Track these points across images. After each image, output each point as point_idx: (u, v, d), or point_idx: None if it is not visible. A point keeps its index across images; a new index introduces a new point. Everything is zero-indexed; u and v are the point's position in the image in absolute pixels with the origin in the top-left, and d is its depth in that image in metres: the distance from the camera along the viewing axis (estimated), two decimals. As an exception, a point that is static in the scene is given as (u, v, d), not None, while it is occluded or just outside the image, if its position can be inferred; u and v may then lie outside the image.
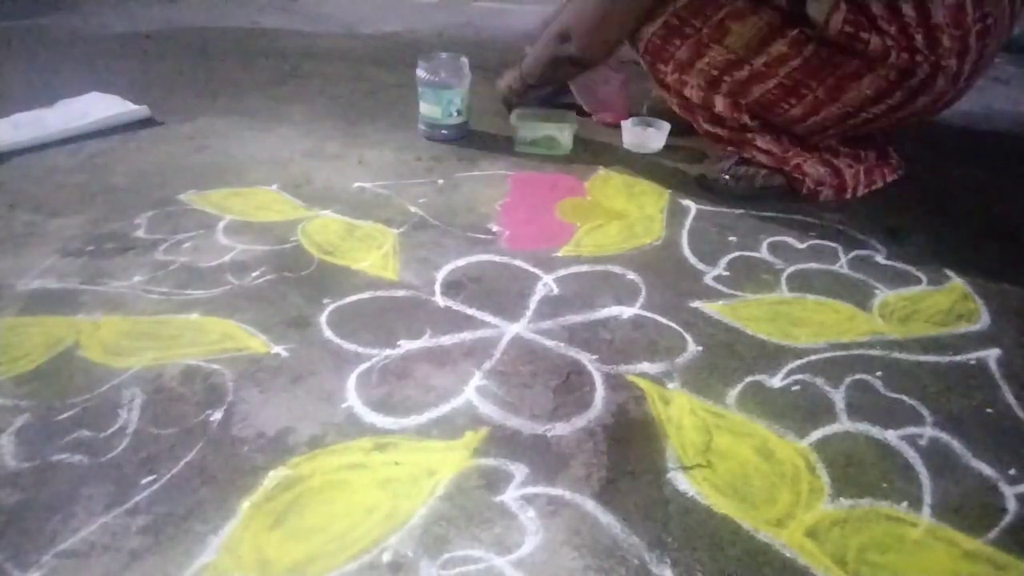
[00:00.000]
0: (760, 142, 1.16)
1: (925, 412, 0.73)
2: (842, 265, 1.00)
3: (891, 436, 0.70)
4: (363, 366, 0.78)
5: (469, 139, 1.40)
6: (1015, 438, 0.71)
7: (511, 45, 2.11)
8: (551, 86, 1.50)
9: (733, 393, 0.75)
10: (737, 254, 1.02)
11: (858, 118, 1.08)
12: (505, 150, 1.35)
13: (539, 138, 1.33)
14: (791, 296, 0.92)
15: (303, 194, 1.16)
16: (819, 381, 0.77)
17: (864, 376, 0.78)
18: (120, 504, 0.61)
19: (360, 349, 0.81)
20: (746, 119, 1.14)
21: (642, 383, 0.76)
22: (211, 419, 0.70)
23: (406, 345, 0.82)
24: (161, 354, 0.79)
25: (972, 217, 1.15)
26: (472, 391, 0.75)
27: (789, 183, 1.18)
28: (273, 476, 0.64)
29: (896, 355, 0.82)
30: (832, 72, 1.01)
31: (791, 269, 0.98)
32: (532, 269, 0.97)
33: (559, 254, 1.01)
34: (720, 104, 1.14)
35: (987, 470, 0.67)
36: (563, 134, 1.32)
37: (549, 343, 0.82)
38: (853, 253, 1.03)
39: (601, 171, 1.27)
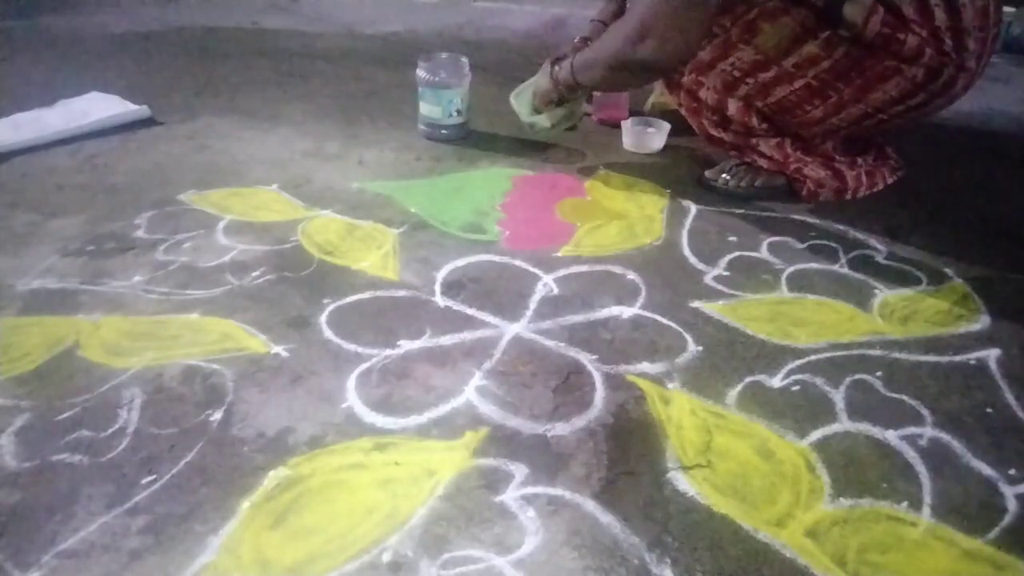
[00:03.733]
0: (764, 147, 1.16)
1: (925, 412, 0.73)
2: (842, 265, 1.00)
3: (891, 436, 0.70)
4: (363, 366, 0.78)
5: (469, 139, 1.40)
6: (1015, 438, 0.71)
7: (511, 45, 2.11)
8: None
9: (733, 393, 0.75)
10: (737, 254, 1.02)
11: (875, 119, 1.08)
12: (505, 150, 1.35)
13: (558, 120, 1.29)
14: (791, 296, 0.92)
15: (303, 194, 1.16)
16: (819, 381, 0.77)
17: (864, 376, 0.78)
18: (120, 504, 0.61)
19: (360, 349, 0.81)
20: (755, 122, 1.14)
21: (642, 383, 0.76)
22: (211, 419, 0.70)
23: (406, 345, 0.82)
24: (161, 354, 0.79)
25: (972, 217, 1.15)
26: (472, 391, 0.75)
27: (790, 184, 1.18)
28: (273, 476, 0.64)
29: (896, 355, 0.82)
30: (861, 73, 1.01)
31: (791, 269, 0.98)
32: (532, 269, 0.97)
33: (559, 254, 1.01)
34: (733, 107, 1.13)
35: (987, 470, 0.67)
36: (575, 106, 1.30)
37: (549, 343, 0.82)
38: (853, 253, 1.03)
39: (601, 171, 1.27)
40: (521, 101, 1.28)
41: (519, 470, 0.65)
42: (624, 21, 1.02)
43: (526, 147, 1.37)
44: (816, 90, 1.05)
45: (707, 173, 1.22)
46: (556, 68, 1.19)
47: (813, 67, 1.03)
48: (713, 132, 1.20)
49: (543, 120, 1.25)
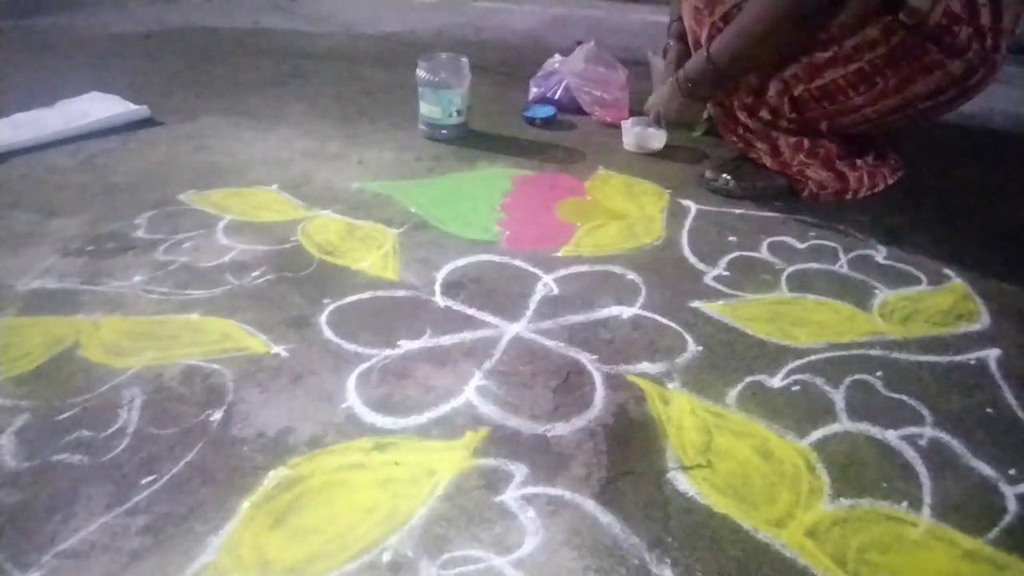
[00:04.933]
0: (782, 143, 1.15)
1: (925, 412, 0.73)
2: (842, 265, 1.00)
3: (891, 436, 0.70)
4: (363, 366, 0.78)
5: (469, 139, 1.40)
6: (1015, 438, 0.71)
7: (511, 45, 2.12)
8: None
9: (733, 393, 0.75)
10: (737, 254, 1.02)
11: (903, 113, 1.09)
12: (505, 150, 1.35)
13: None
14: (791, 296, 0.92)
15: (303, 194, 1.16)
16: (819, 381, 0.77)
17: (864, 376, 0.78)
18: (120, 504, 0.61)
19: (360, 349, 0.81)
20: (785, 110, 1.12)
21: (642, 383, 0.76)
22: (211, 419, 0.70)
23: (406, 345, 0.82)
24: (161, 354, 0.79)
25: (972, 217, 1.15)
26: (472, 391, 0.75)
27: (790, 184, 1.18)
28: (273, 476, 0.64)
29: (896, 355, 0.82)
30: (910, 63, 1.02)
31: (791, 269, 0.98)
32: (532, 269, 0.97)
33: (559, 254, 1.01)
34: (773, 89, 1.11)
35: (987, 470, 0.67)
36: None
37: (549, 343, 0.82)
38: (853, 253, 1.03)
39: (601, 171, 1.27)
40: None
41: (519, 470, 0.65)
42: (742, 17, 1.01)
43: (526, 147, 1.37)
44: (866, 76, 1.05)
45: (707, 173, 1.22)
46: (681, 82, 1.15)
47: (870, 51, 1.03)
48: (740, 115, 1.18)
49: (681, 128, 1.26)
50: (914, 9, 0.97)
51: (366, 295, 0.91)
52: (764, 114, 1.15)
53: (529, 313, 0.88)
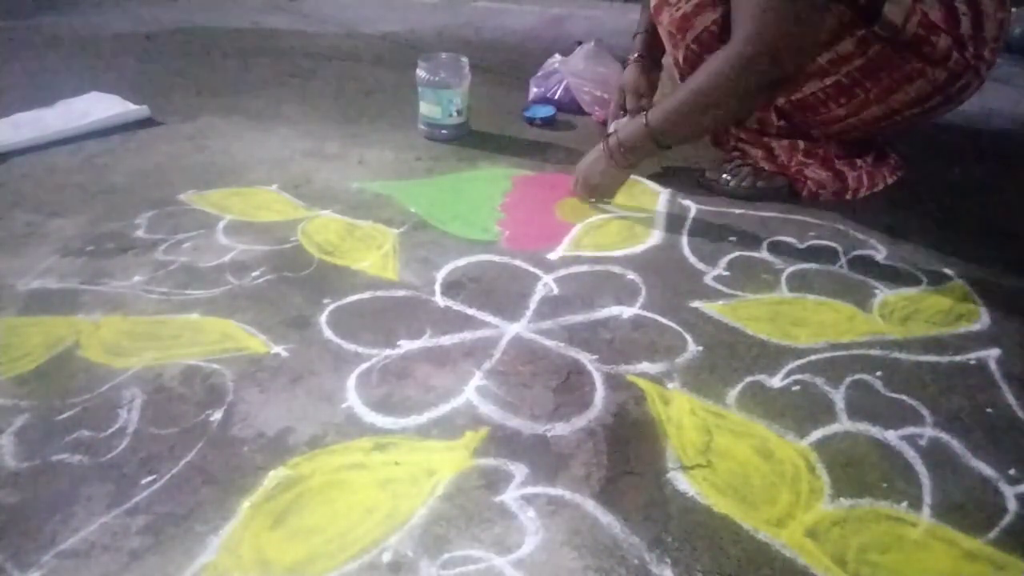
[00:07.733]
0: (775, 146, 1.16)
1: (925, 412, 0.73)
2: (842, 265, 1.00)
3: (891, 436, 0.70)
4: (363, 366, 0.78)
5: (469, 139, 1.40)
6: (1015, 438, 0.71)
7: (511, 45, 2.12)
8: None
9: (733, 393, 0.75)
10: (737, 254, 1.02)
11: (890, 120, 1.09)
12: (505, 150, 1.35)
13: None
14: (791, 296, 0.92)
15: (303, 194, 1.16)
16: (819, 381, 0.77)
17: (864, 376, 0.78)
18: (120, 504, 0.61)
19: (360, 349, 0.81)
20: (773, 118, 1.13)
21: (642, 383, 0.76)
22: (211, 419, 0.70)
23: (406, 345, 0.82)
24: (161, 354, 0.79)
25: (972, 217, 1.15)
26: (472, 391, 0.75)
27: (790, 184, 1.18)
28: (273, 476, 0.64)
29: (896, 355, 0.82)
30: (890, 74, 1.02)
31: (791, 269, 0.98)
32: (532, 269, 0.97)
33: (559, 254, 1.01)
34: None
35: (987, 470, 0.67)
36: None
37: (549, 343, 0.82)
38: (853, 253, 1.03)
39: (601, 171, 1.27)
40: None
41: (519, 470, 0.65)
42: (727, 50, 0.93)
43: (526, 147, 1.37)
44: (844, 88, 1.05)
45: (707, 173, 1.22)
46: (613, 147, 1.07)
47: (846, 64, 1.03)
48: (732, 129, 1.19)
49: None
50: (889, 22, 0.97)
51: (366, 295, 0.91)
52: (752, 122, 1.16)
53: (529, 313, 0.88)
